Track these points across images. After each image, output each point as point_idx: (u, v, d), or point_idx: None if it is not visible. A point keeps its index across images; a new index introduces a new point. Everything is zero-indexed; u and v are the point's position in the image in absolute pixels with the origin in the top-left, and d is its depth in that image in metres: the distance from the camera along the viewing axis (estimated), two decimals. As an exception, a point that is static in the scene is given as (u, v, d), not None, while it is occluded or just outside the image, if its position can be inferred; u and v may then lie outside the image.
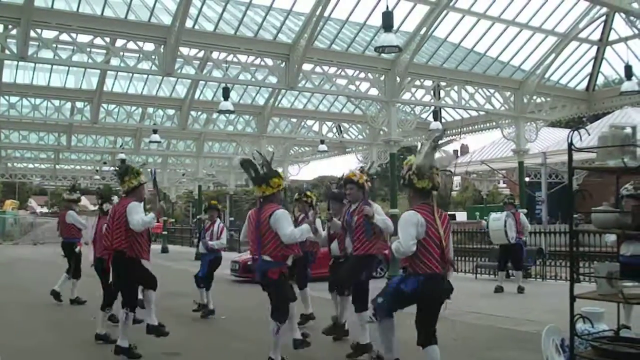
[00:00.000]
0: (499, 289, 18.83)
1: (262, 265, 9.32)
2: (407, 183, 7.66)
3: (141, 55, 20.05)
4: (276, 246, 9.21)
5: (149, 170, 10.80)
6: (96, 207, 13.90)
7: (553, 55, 24.32)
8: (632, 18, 21.31)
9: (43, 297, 17.41)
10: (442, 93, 25.44)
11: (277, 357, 9.29)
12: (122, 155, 37.77)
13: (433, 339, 7.56)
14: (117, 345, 10.14)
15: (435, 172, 7.62)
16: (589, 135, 7.79)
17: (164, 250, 41.02)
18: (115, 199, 13.00)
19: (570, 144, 7.13)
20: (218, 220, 15.18)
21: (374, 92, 23.22)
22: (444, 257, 7.44)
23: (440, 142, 7.77)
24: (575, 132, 7.20)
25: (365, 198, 10.50)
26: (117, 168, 10.86)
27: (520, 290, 18.72)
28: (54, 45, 18.98)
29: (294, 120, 33.32)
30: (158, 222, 11.41)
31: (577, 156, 7.39)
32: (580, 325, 7.45)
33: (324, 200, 13.81)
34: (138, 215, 9.91)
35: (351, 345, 10.53)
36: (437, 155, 7.64)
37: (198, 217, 39.22)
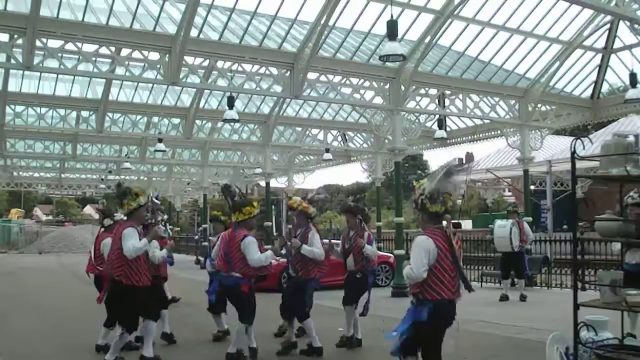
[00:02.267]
0: (504, 298, 18.84)
1: (233, 280, 10.92)
2: (419, 207, 7.66)
3: (146, 65, 20.09)
4: (244, 265, 10.78)
5: (149, 195, 10.61)
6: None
7: (558, 63, 24.30)
8: (636, 26, 21.32)
9: (45, 306, 17.46)
10: (447, 101, 25.43)
11: (240, 350, 10.88)
12: (128, 165, 37.86)
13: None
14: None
15: (448, 197, 7.61)
16: (592, 143, 7.79)
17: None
18: (118, 215, 12.93)
19: (574, 153, 7.15)
20: (224, 232, 13.97)
21: (378, 100, 23.23)
22: (455, 283, 7.41)
23: (455, 168, 7.75)
24: (578, 140, 7.21)
25: (310, 223, 11.65)
26: (114, 190, 10.78)
27: (523, 298, 18.73)
28: (60, 54, 19.03)
29: (299, 129, 33.35)
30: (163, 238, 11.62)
31: (581, 164, 7.41)
32: (584, 334, 7.45)
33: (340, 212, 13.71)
34: (130, 242, 9.76)
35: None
36: (450, 181, 7.62)
37: (203, 226, 39.23)
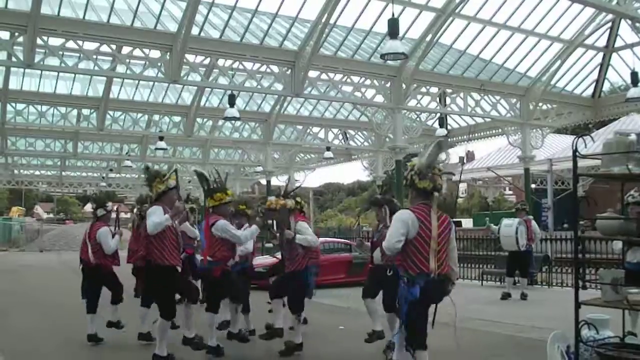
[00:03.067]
0: (506, 296, 18.78)
1: (208, 264, 10.83)
2: (408, 183, 7.64)
3: (147, 63, 20.11)
4: (217, 249, 10.73)
5: (173, 169, 10.36)
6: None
7: (559, 62, 24.31)
8: (638, 24, 21.33)
9: (47, 303, 17.47)
10: (448, 100, 25.45)
11: (213, 342, 10.68)
12: (128, 163, 37.84)
13: (423, 344, 7.39)
14: (155, 354, 9.72)
15: (437, 174, 7.57)
16: (594, 142, 7.79)
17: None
18: (110, 205, 13.18)
19: (575, 151, 7.13)
20: (247, 226, 12.94)
21: (379, 99, 23.25)
22: (435, 257, 7.34)
23: (444, 144, 7.73)
24: (580, 139, 7.20)
25: (296, 215, 11.77)
26: (144, 174, 10.40)
27: (524, 297, 18.69)
28: (61, 52, 19.10)
29: (300, 127, 33.40)
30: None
31: (582, 163, 7.39)
32: (585, 332, 7.44)
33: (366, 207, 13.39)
34: (151, 218, 9.46)
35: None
36: (440, 156, 7.61)
37: None
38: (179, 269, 10.18)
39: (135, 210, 13.90)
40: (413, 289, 7.24)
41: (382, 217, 10.68)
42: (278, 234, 11.73)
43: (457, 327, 7.72)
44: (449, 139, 8.18)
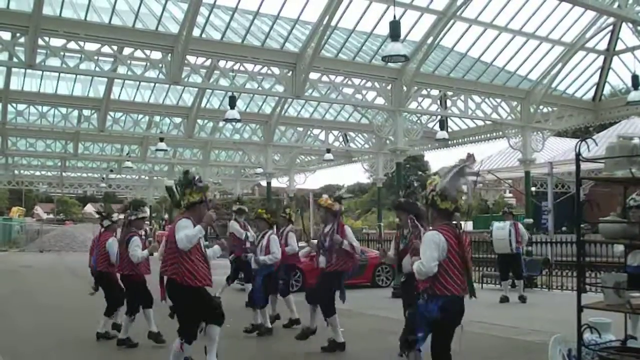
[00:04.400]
0: (504, 299, 18.83)
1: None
2: (429, 203, 7.62)
3: (148, 64, 20.11)
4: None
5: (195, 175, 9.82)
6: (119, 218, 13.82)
7: (560, 65, 24.29)
8: (639, 28, 21.32)
9: (46, 304, 17.48)
10: (449, 102, 25.44)
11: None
12: (129, 164, 37.85)
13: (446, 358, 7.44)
14: None
15: (459, 195, 7.57)
16: (597, 145, 7.76)
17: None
18: (115, 216, 13.33)
19: (578, 154, 7.13)
20: (269, 231, 13.91)
21: (380, 101, 23.24)
22: (464, 279, 7.35)
23: (467, 167, 7.69)
24: (583, 142, 7.19)
25: (338, 220, 12.01)
26: (179, 178, 9.50)
27: (523, 299, 18.73)
28: (62, 53, 19.07)
29: (300, 129, 33.37)
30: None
31: (584, 166, 7.38)
32: (587, 335, 7.43)
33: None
34: (183, 231, 8.74)
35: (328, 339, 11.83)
36: (462, 180, 7.57)
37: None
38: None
39: (123, 215, 13.73)
40: (432, 305, 7.23)
41: (407, 222, 10.50)
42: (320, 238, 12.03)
43: (462, 328, 7.72)
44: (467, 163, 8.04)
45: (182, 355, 8.90)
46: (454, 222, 7.54)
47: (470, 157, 7.77)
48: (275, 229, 14.45)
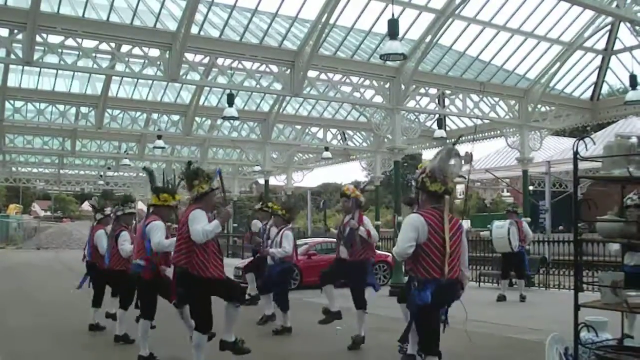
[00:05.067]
0: (501, 298, 18.84)
1: (135, 268, 10.59)
2: (419, 186, 7.60)
3: (146, 61, 20.11)
4: (145, 252, 10.33)
5: (214, 169, 9.64)
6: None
7: (558, 64, 24.28)
8: (637, 27, 21.33)
9: (43, 302, 17.47)
10: (447, 101, 25.44)
11: (145, 352, 10.29)
12: (127, 161, 37.81)
13: (435, 350, 7.41)
14: None
15: (449, 177, 7.54)
16: (595, 144, 7.76)
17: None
18: (109, 210, 13.53)
19: (576, 153, 7.12)
20: (284, 227, 14.04)
21: (378, 99, 23.22)
22: (447, 262, 7.30)
23: (454, 150, 7.68)
24: (581, 141, 7.19)
25: (359, 210, 12.12)
26: (184, 170, 9.51)
27: (522, 298, 18.73)
28: (60, 50, 19.06)
29: (298, 127, 33.36)
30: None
31: (581, 165, 7.37)
32: (584, 334, 7.43)
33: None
34: (200, 225, 8.61)
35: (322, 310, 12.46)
36: (452, 160, 7.55)
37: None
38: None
39: (113, 209, 13.82)
40: (424, 293, 7.20)
41: None
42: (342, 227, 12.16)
43: (463, 329, 7.73)
44: (457, 142, 8.11)
45: (204, 345, 8.92)
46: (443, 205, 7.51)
47: (468, 155, 7.78)
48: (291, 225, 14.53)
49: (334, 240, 13.35)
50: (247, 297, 14.48)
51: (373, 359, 11.25)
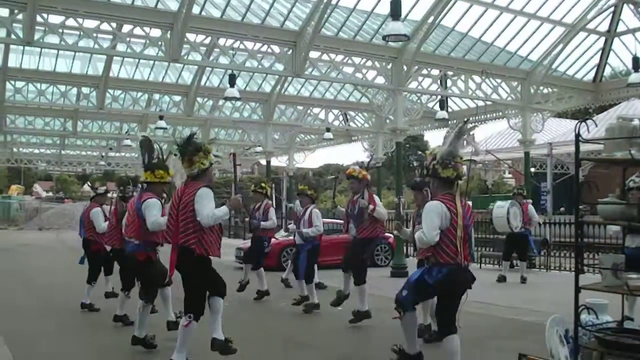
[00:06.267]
0: (501, 279, 18.87)
1: (130, 248, 10.28)
2: (431, 172, 7.63)
3: (148, 41, 20.08)
4: (143, 231, 9.92)
5: (229, 153, 9.32)
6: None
7: (561, 46, 24.23)
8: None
9: (45, 283, 17.51)
10: (449, 82, 25.38)
11: (141, 334, 10.02)
12: (128, 142, 37.81)
13: (453, 329, 7.59)
14: None
15: (460, 162, 7.57)
16: (597, 127, 7.74)
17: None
18: (103, 188, 13.67)
19: (578, 135, 7.09)
20: (311, 206, 14.30)
21: (380, 80, 23.18)
22: (466, 247, 7.39)
23: (464, 131, 7.70)
24: (583, 123, 7.16)
25: (367, 189, 12.45)
26: (181, 145, 8.92)
27: (523, 280, 18.76)
28: (60, 30, 18.95)
29: (300, 107, 33.31)
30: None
31: (583, 147, 7.36)
32: (584, 316, 7.43)
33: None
34: (209, 208, 8.31)
35: (352, 311, 12.28)
36: (462, 142, 7.58)
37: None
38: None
39: (117, 192, 13.84)
40: (433, 272, 7.32)
41: (421, 200, 10.66)
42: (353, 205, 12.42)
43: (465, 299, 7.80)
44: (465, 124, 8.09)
45: (192, 332, 8.42)
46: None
47: (470, 135, 7.76)
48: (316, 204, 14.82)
49: (339, 221, 13.78)
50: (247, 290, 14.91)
51: (375, 338, 11.25)
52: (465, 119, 7.40)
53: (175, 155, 9.31)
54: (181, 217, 8.46)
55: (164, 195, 10.36)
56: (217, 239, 8.58)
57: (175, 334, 9.17)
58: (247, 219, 15.97)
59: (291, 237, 18.74)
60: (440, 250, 7.35)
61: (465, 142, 7.69)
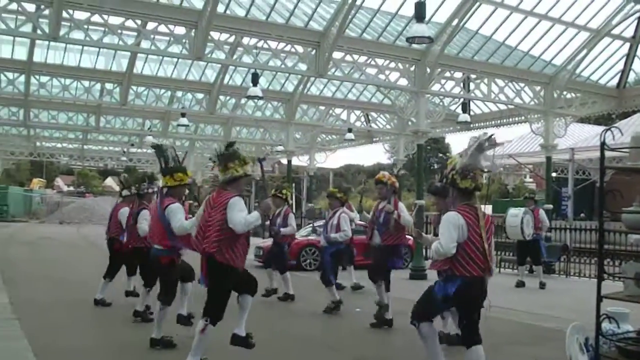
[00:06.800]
0: (520, 284, 18.84)
1: (155, 251, 10.32)
2: (449, 182, 7.60)
3: (172, 39, 20.11)
4: (166, 237, 10.02)
5: (257, 158, 9.25)
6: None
7: (585, 51, 24.12)
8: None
9: (65, 277, 17.59)
10: (472, 85, 25.33)
11: (158, 334, 10.08)
12: (150, 138, 37.98)
13: (476, 339, 7.51)
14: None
15: (479, 173, 7.54)
16: (622, 135, 7.70)
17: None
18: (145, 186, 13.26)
19: (603, 144, 7.07)
20: (340, 210, 14.40)
21: (403, 82, 23.15)
22: (485, 260, 7.34)
23: (486, 145, 7.66)
24: (609, 132, 7.13)
25: (394, 196, 12.35)
26: (221, 152, 8.83)
27: (542, 285, 18.70)
28: (86, 26, 19.09)
29: (322, 107, 33.31)
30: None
31: (606, 154, 7.33)
32: (605, 325, 7.40)
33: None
34: (241, 214, 8.33)
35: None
36: (482, 156, 7.55)
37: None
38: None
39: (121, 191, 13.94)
40: (449, 285, 7.27)
41: (442, 205, 10.46)
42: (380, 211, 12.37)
43: (489, 308, 7.77)
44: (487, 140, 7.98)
45: (208, 336, 8.45)
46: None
47: (491, 138, 7.71)
48: (346, 207, 14.94)
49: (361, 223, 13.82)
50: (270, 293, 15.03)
51: (398, 341, 11.25)
52: (489, 135, 7.27)
53: (211, 159, 9.41)
54: (210, 225, 8.51)
55: (185, 196, 10.44)
56: (243, 250, 8.62)
57: (185, 329, 9.86)
58: (267, 223, 15.81)
59: (311, 237, 18.77)
60: (457, 263, 7.29)
61: (484, 157, 7.62)
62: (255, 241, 24.56)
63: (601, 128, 8.29)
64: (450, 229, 7.26)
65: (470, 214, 7.33)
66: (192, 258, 10.06)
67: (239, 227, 8.27)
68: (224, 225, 8.33)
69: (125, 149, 49.63)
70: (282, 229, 15.43)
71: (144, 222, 11.99)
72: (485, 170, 7.65)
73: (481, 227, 7.31)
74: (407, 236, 12.78)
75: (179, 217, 9.82)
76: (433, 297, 7.61)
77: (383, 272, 12.38)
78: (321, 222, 19.38)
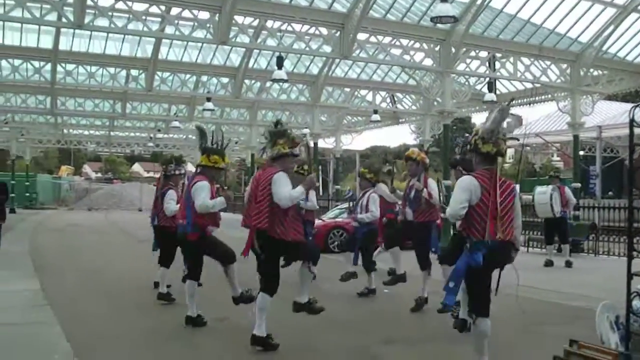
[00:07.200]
0: (549, 263, 18.74)
1: (181, 228, 10.38)
2: (472, 148, 7.58)
3: (196, 24, 20.14)
4: (193, 213, 10.07)
5: (301, 145, 9.28)
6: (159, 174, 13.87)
7: (612, 27, 23.88)
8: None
9: (95, 264, 17.72)
10: (497, 64, 25.19)
11: (193, 313, 10.30)
12: (176, 123, 38.10)
13: (484, 312, 7.37)
14: (255, 335, 8.77)
15: (502, 139, 7.50)
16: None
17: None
18: (172, 166, 13.15)
19: (632, 120, 7.01)
20: (370, 190, 14.10)
21: (428, 62, 23.09)
22: (499, 224, 7.27)
23: (507, 110, 7.62)
24: (638, 108, 7.07)
25: (425, 173, 12.24)
26: (271, 128, 9.17)
27: (569, 264, 18.60)
28: (110, 13, 19.13)
29: (348, 89, 33.32)
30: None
31: (635, 131, 7.26)
32: (636, 303, 7.35)
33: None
34: (285, 188, 8.57)
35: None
36: (505, 121, 7.52)
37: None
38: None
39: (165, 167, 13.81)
40: (476, 255, 7.21)
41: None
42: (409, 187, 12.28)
43: (514, 294, 7.71)
44: (509, 105, 8.05)
45: (267, 309, 8.77)
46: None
47: (518, 118, 7.68)
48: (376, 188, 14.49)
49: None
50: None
51: (428, 322, 11.22)
52: (511, 99, 7.30)
53: (263, 135, 9.45)
54: (258, 200, 8.76)
55: (218, 182, 10.46)
56: (294, 224, 8.83)
57: (233, 307, 10.12)
58: None
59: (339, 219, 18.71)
60: (472, 226, 7.28)
61: (508, 121, 7.60)
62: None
63: (629, 105, 8.23)
64: (459, 192, 7.28)
65: (485, 177, 7.28)
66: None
67: (283, 202, 8.51)
68: (271, 201, 8.58)
69: (151, 135, 49.85)
70: (302, 203, 15.15)
71: (172, 202, 12.13)
72: (507, 135, 7.61)
73: (497, 192, 7.24)
74: (438, 215, 12.62)
75: (203, 196, 9.90)
76: (474, 278, 7.46)
77: (418, 251, 12.23)
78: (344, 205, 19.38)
